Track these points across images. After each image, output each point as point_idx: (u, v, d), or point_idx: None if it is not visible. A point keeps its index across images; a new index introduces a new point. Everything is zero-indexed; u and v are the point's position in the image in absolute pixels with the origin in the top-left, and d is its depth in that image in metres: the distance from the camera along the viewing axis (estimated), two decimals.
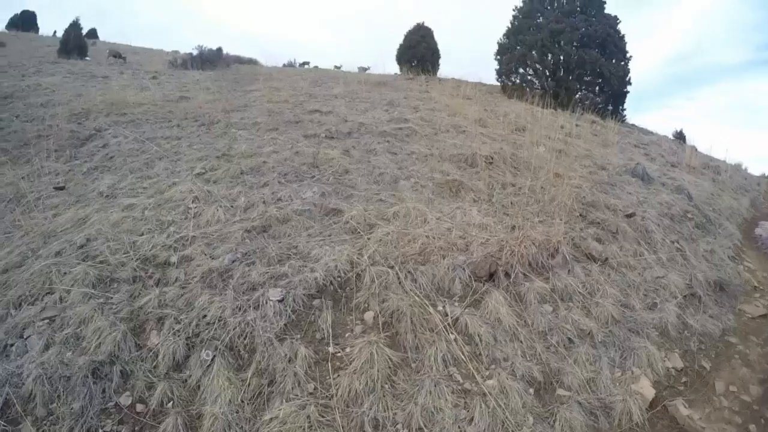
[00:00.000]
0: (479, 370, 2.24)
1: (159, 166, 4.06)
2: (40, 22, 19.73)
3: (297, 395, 2.00)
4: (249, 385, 2.05)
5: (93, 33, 18.35)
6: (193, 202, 3.34)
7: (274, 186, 3.62)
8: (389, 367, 2.15)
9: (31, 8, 21.12)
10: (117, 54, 11.15)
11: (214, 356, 2.13)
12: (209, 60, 10.40)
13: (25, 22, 18.66)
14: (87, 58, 10.98)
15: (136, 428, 1.92)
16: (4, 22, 19.87)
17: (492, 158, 4.51)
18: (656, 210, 4.26)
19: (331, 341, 2.28)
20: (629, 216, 3.93)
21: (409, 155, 4.47)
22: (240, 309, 2.35)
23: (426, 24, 12.86)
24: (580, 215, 3.81)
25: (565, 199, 3.78)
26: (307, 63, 14.06)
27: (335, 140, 4.75)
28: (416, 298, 2.50)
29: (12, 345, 2.19)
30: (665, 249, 3.72)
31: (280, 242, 2.89)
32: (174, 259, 2.72)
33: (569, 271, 3.03)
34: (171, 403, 2.00)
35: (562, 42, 9.26)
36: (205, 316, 2.32)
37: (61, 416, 1.92)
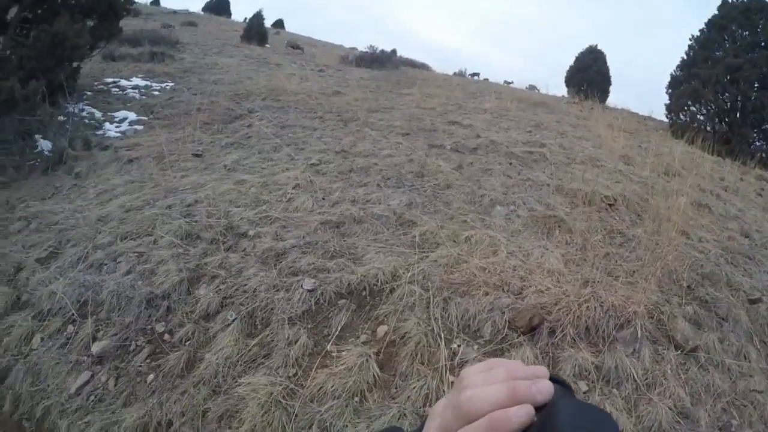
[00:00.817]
0: None
1: (283, 151, 6.32)
2: (233, 8, 31.53)
3: (278, 374, 3.14)
4: (249, 350, 3.33)
5: (280, 23, 28.23)
6: (293, 188, 5.19)
7: (371, 187, 5.15)
8: (368, 384, 3.02)
9: None
10: (295, 45, 16.42)
11: (235, 318, 3.57)
12: (379, 60, 14.67)
13: (219, 6, 30.08)
14: (266, 46, 17.02)
15: (157, 350, 3.52)
16: (201, 4, 32.28)
17: (614, 200, 5.30)
18: None
19: (332, 340, 3.34)
20: (753, 302, 4.26)
21: (524, 181, 5.64)
22: (274, 287, 3.73)
23: (599, 47, 17.85)
24: (687, 287, 4.06)
25: (675, 263, 4.26)
26: (477, 74, 19.26)
27: (457, 153, 6.26)
28: (434, 327, 3.28)
29: (106, 264, 4.34)
30: None
31: (344, 240, 4.23)
32: (251, 232, 4.45)
33: (634, 350, 3.26)
34: (189, 342, 3.51)
35: (739, 80, 11.37)
36: (245, 284, 3.85)
37: (113, 324, 3.75)
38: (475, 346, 3.30)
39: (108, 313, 3.91)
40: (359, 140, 6.65)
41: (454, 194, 5.19)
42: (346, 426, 2.86)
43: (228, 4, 32.73)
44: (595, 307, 3.49)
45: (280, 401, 3.01)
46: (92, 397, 3.40)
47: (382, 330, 3.40)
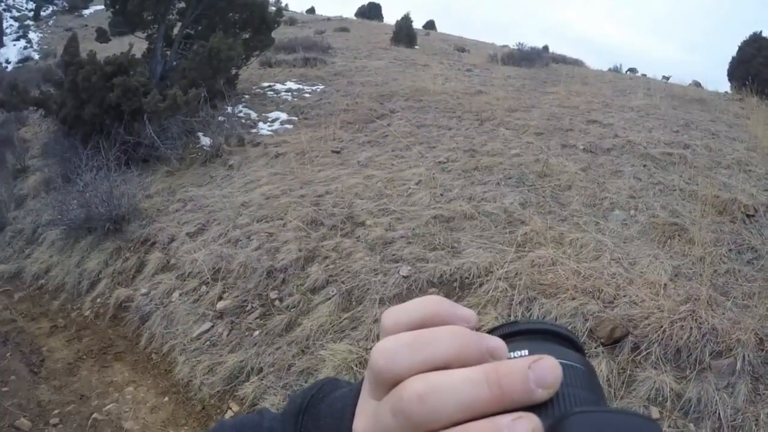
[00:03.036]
0: None
1: (415, 150, 6.90)
2: (385, 12, 34.28)
3: (358, 345, 3.72)
4: (340, 322, 3.97)
5: (431, 24, 30.13)
6: (416, 184, 5.75)
7: (490, 186, 5.50)
8: None
9: (379, 1, 35.99)
10: (461, 48, 17.03)
11: (335, 294, 4.22)
12: (528, 57, 14.77)
13: (371, 11, 32.94)
14: (416, 47, 18.09)
15: (266, 312, 4.34)
16: (354, 9, 35.60)
17: (755, 210, 4.90)
18: None
19: None
20: None
21: (654, 185, 5.52)
22: (374, 270, 4.32)
23: (764, 34, 15.58)
24: None
25: None
26: (634, 70, 18.38)
27: (588, 154, 6.28)
28: None
29: (241, 241, 5.29)
30: None
31: (450, 234, 4.65)
32: (368, 222, 5.09)
33: (728, 384, 2.99)
34: (293, 309, 4.27)
35: None
36: (350, 266, 4.49)
37: (237, 288, 4.69)
38: None
39: (235, 279, 4.91)
40: (491, 140, 7.03)
41: (573, 195, 5.32)
42: None
43: (379, 8, 35.50)
44: (691, 328, 3.36)
45: (351, 367, 3.60)
46: (207, 342, 4.44)
47: None
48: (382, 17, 34.54)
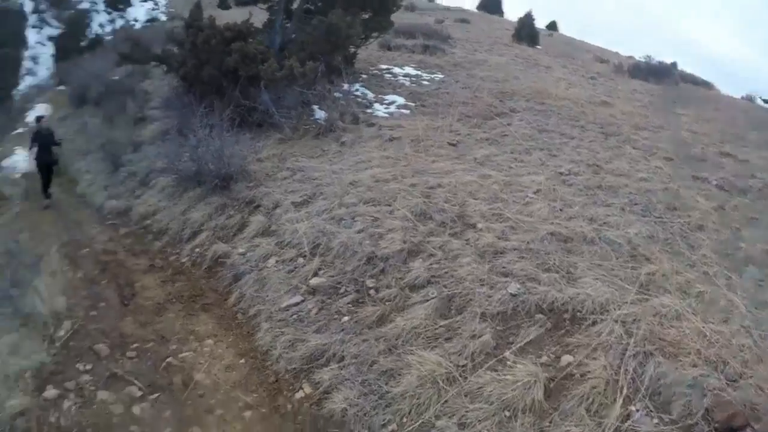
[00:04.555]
0: None
1: (535, 155, 6.52)
2: (506, 7, 33.87)
3: (450, 359, 3.48)
4: (435, 329, 3.74)
5: (553, 25, 29.95)
6: (534, 192, 5.39)
7: (614, 209, 5.06)
8: (525, 405, 3.09)
9: None
10: (601, 60, 16.19)
11: (435, 297, 3.99)
12: (656, 72, 14.09)
13: (492, 5, 32.69)
14: (537, 47, 17.46)
15: (359, 300, 4.26)
16: (475, 2, 35.03)
17: None
18: None
19: (515, 350, 3.47)
20: None
21: None
22: (480, 281, 4.02)
23: None
24: None
25: None
26: None
27: (722, 192, 5.91)
28: (620, 379, 3.10)
29: (345, 220, 5.16)
30: None
31: (566, 257, 4.26)
32: (479, 225, 4.78)
33: None
34: (388, 303, 4.12)
35: None
36: (456, 270, 4.21)
37: (334, 267, 4.66)
38: (656, 420, 2.98)
39: (333, 258, 4.80)
40: (616, 157, 6.60)
41: (703, 239, 4.80)
42: None
43: (500, 2, 34.74)
44: None
45: (437, 382, 3.36)
46: (294, 316, 4.39)
47: (566, 359, 3.40)
48: (503, 12, 34.00)
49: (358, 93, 9.77)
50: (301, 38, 9.61)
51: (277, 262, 5.05)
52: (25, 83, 25.05)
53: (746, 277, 4.29)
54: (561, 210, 5.07)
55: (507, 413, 3.12)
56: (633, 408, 3.05)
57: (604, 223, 4.86)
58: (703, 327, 3.53)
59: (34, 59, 30.11)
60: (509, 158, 6.46)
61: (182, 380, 4.06)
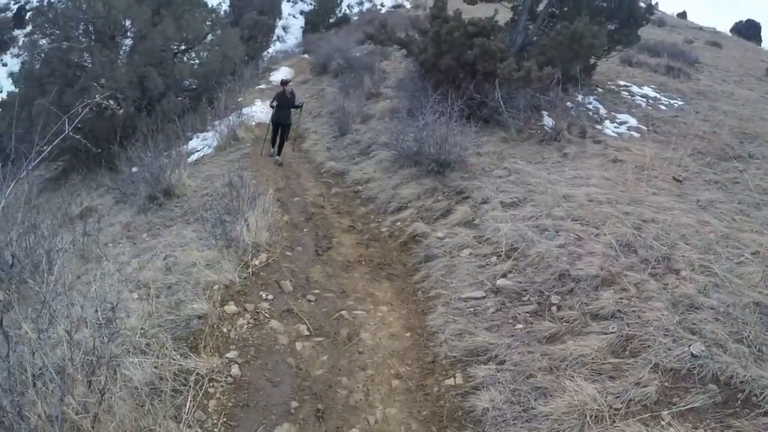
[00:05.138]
0: None
1: (765, 212, 5.89)
2: (765, 33, 29.65)
3: (606, 399, 3.41)
4: (604, 362, 3.72)
5: None
6: (752, 253, 4.85)
7: None
8: None
9: (758, 19, 31.08)
10: None
11: (614, 332, 3.94)
12: None
13: (748, 30, 29.12)
14: None
15: (539, 312, 4.34)
16: (730, 23, 31.31)
17: None
18: None
19: (673, 411, 3.30)
20: None
21: None
22: (665, 330, 3.86)
23: None
24: None
25: None
26: None
27: None
28: None
29: (548, 231, 5.26)
30: None
31: (765, 333, 3.82)
32: (683, 273, 4.50)
33: None
34: (566, 324, 4.18)
35: None
36: (643, 312, 4.08)
37: (525, 274, 4.78)
38: None
39: (526, 266, 4.97)
40: None
41: None
42: None
43: (759, 28, 30.79)
44: None
45: (585, 415, 3.33)
46: (471, 309, 4.64)
47: None
48: (761, 39, 30.39)
49: (590, 106, 9.73)
50: (542, 42, 9.76)
51: (470, 254, 5.35)
52: (275, 48, 28.79)
53: None
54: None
55: None
56: None
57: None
58: None
59: (285, 29, 34.56)
60: (735, 209, 5.99)
61: (348, 334, 4.52)
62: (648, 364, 3.68)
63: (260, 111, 12.79)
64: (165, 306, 4.31)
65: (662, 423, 3.30)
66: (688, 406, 3.41)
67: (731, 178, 6.96)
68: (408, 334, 4.63)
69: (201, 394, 3.56)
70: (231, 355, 4.01)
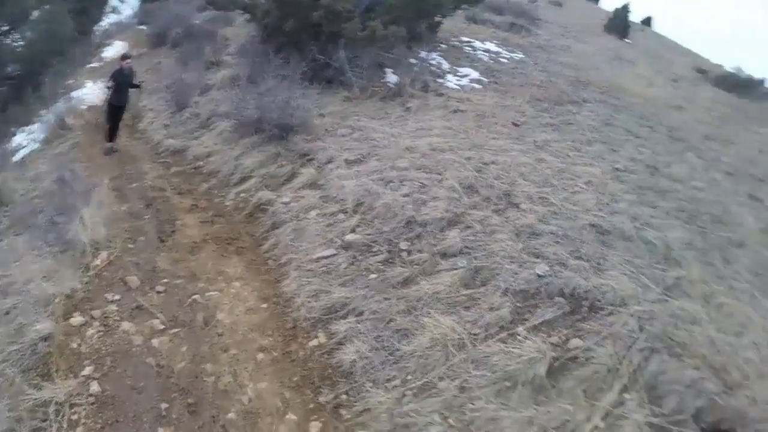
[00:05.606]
0: None
1: (595, 147, 6.51)
2: None
3: (464, 326, 3.59)
4: (457, 297, 3.86)
5: (647, 21, 29.22)
6: (585, 183, 5.34)
7: (659, 212, 5.12)
8: (526, 378, 3.19)
9: None
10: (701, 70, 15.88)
11: (463, 267, 4.07)
12: (742, 86, 14.37)
13: None
14: (627, 41, 17.53)
15: (390, 260, 4.37)
16: None
17: None
18: None
19: (528, 327, 3.55)
20: None
21: None
22: (511, 258, 4.08)
23: None
24: None
25: None
26: None
27: None
28: (620, 369, 3.17)
29: (393, 182, 5.26)
30: None
31: (600, 248, 4.26)
32: (523, 206, 4.80)
33: None
34: (418, 266, 4.23)
35: None
36: (489, 245, 4.27)
37: (373, 226, 4.73)
38: (647, 411, 3.07)
39: (373, 218, 4.94)
40: (676, 162, 6.58)
41: (741, 255, 4.86)
42: (480, 398, 3.18)
43: None
44: None
45: (447, 345, 3.48)
46: (324, 268, 4.56)
47: (574, 343, 3.44)
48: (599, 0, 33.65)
49: (434, 62, 9.81)
50: (389, 1, 9.66)
51: (318, 214, 5.22)
52: (108, 20, 26.15)
53: None
54: (607, 204, 5.03)
55: (507, 383, 3.23)
56: (627, 396, 3.14)
57: (646, 223, 4.83)
58: (715, 336, 3.58)
59: None
60: (569, 146, 6.43)
61: (204, 318, 4.26)
62: (498, 290, 3.85)
63: (91, 93, 11.54)
64: (5, 336, 3.80)
65: (519, 338, 3.50)
66: (540, 320, 3.65)
67: (566, 120, 7.47)
68: (264, 305, 4.45)
69: (65, 425, 3.22)
70: (87, 371, 3.63)
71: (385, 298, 4.02)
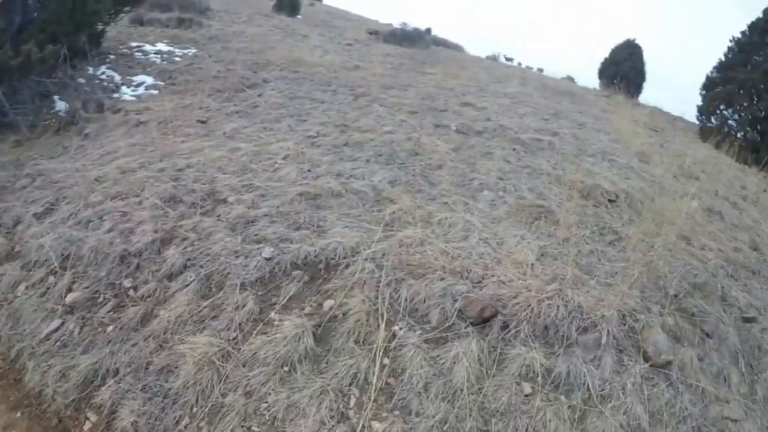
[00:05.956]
0: (377, 410, 3.14)
1: (285, 122, 6.73)
2: None
3: (220, 336, 3.56)
4: (200, 311, 3.76)
5: None
6: (283, 158, 5.59)
7: (360, 162, 5.54)
8: (299, 355, 3.37)
9: None
10: (373, 32, 17.14)
11: (194, 280, 3.99)
12: (409, 38, 15.69)
13: None
14: (298, 17, 18.47)
15: (120, 304, 4.02)
16: None
17: (616, 196, 5.66)
18: None
19: (278, 309, 3.70)
20: (747, 320, 4.37)
21: (523, 168, 6.03)
22: (235, 252, 4.14)
23: (636, 41, 19.87)
24: (674, 295, 4.14)
25: (665, 268, 4.46)
26: (511, 59, 21.14)
27: (460, 135, 6.71)
28: (379, 307, 3.58)
29: (92, 221, 4.86)
30: None
31: (316, 212, 4.59)
32: (230, 199, 4.84)
33: (594, 357, 3.38)
34: (149, 299, 3.99)
35: None
36: (210, 248, 4.26)
37: (88, 277, 4.29)
38: (419, 332, 3.54)
39: (85, 267, 4.49)
40: (364, 116, 7.14)
41: (443, 175, 5.53)
42: (269, 393, 3.26)
43: None
44: (558, 306, 3.65)
45: (214, 362, 3.44)
46: (58, 343, 4.01)
47: (328, 304, 3.74)
48: None
49: (104, 77, 9.05)
50: (42, 17, 8.43)
51: (27, 287, 4.53)
52: None
53: (482, 201, 5.10)
54: (309, 171, 5.37)
55: (286, 368, 3.35)
56: (396, 328, 3.53)
57: (351, 176, 5.30)
58: (446, 246, 4.16)
59: None
60: (259, 128, 6.61)
61: None
62: (236, 288, 3.90)
63: None
64: None
65: (275, 323, 3.63)
66: (287, 298, 3.83)
67: (251, 104, 7.61)
68: (19, 414, 3.79)
69: None
70: None
71: (133, 345, 3.76)
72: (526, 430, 3.10)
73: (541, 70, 19.65)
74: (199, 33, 12.57)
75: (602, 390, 3.33)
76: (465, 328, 3.54)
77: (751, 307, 4.58)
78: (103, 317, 4.06)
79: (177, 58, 10.37)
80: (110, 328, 3.96)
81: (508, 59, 20.89)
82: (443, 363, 3.38)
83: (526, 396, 3.26)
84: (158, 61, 10.18)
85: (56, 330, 4.10)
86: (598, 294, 3.88)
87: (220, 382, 3.36)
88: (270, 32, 13.56)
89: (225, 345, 3.53)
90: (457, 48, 19.18)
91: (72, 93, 7.91)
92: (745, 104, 12.98)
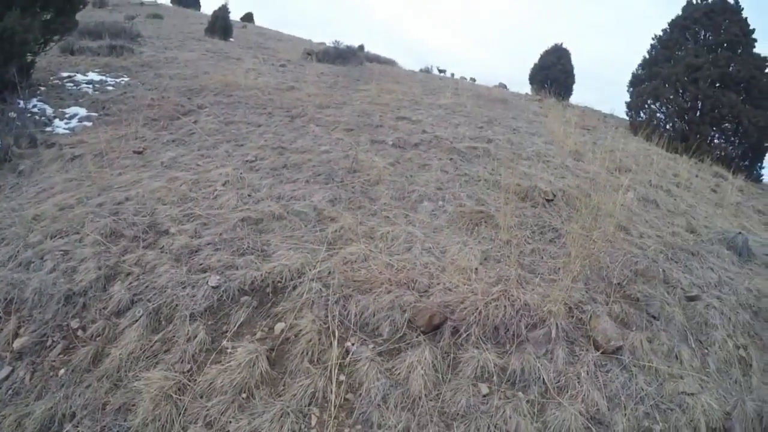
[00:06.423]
0: (338, 426, 3.23)
1: (222, 148, 6.76)
2: (203, 1, 33.84)
3: (174, 369, 3.58)
4: (151, 346, 3.77)
5: (249, 17, 30.96)
6: (222, 185, 5.63)
7: (299, 184, 5.64)
8: (256, 380, 3.43)
9: None
10: (310, 51, 17.07)
11: (142, 315, 4.00)
12: (343, 55, 15.95)
13: None
14: (230, 40, 18.36)
15: (70, 345, 3.95)
16: None
17: (553, 195, 5.73)
18: (736, 298, 4.96)
19: (230, 336, 3.76)
20: (691, 299, 4.65)
21: (460, 176, 6.26)
22: (181, 284, 4.15)
23: (564, 46, 20.99)
24: (618, 284, 4.37)
25: (606, 259, 4.71)
26: (444, 71, 21.63)
27: (397, 149, 6.89)
28: (330, 325, 3.68)
29: (33, 262, 4.79)
30: (721, 355, 4.22)
31: (259, 237, 4.66)
32: (172, 230, 4.85)
33: (546, 351, 3.56)
34: (99, 338, 3.95)
35: (698, 80, 12.89)
36: (156, 281, 4.27)
37: (34, 320, 4.20)
38: (371, 345, 3.68)
39: (30, 310, 4.38)
40: (300, 136, 7.27)
41: (382, 190, 5.70)
42: (230, 422, 3.29)
43: None
44: (505, 306, 3.84)
45: (171, 396, 3.45)
46: (9, 391, 3.90)
47: (279, 327, 3.82)
48: (200, 5, 34.12)
49: (35, 110, 8.77)
50: None
51: None
52: None
53: (422, 212, 5.30)
54: (249, 195, 5.44)
55: (243, 395, 3.40)
56: (349, 344, 3.64)
57: (291, 198, 5.39)
58: (390, 260, 4.32)
59: None
60: (197, 156, 6.62)
61: None
62: (185, 319, 3.93)
63: None
64: None
65: (228, 351, 3.68)
66: (237, 325, 3.88)
67: (186, 132, 7.57)
68: None
69: None
70: None
71: (87, 386, 3.71)
72: (488, 428, 3.24)
73: (473, 80, 20.41)
74: (131, 60, 12.36)
75: (558, 382, 3.53)
76: (416, 337, 3.69)
77: (694, 286, 4.93)
78: (54, 360, 3.99)
79: (110, 88, 10.17)
80: (62, 371, 3.90)
81: (441, 71, 21.45)
82: (399, 373, 3.51)
83: (484, 396, 3.41)
84: (90, 91, 9.95)
85: (6, 378, 3.99)
86: (544, 290, 4.11)
87: (180, 415, 3.38)
88: (203, 57, 13.48)
89: (180, 378, 3.55)
90: (390, 63, 19.63)
91: (3, 128, 7.64)
92: (671, 97, 13.61)
